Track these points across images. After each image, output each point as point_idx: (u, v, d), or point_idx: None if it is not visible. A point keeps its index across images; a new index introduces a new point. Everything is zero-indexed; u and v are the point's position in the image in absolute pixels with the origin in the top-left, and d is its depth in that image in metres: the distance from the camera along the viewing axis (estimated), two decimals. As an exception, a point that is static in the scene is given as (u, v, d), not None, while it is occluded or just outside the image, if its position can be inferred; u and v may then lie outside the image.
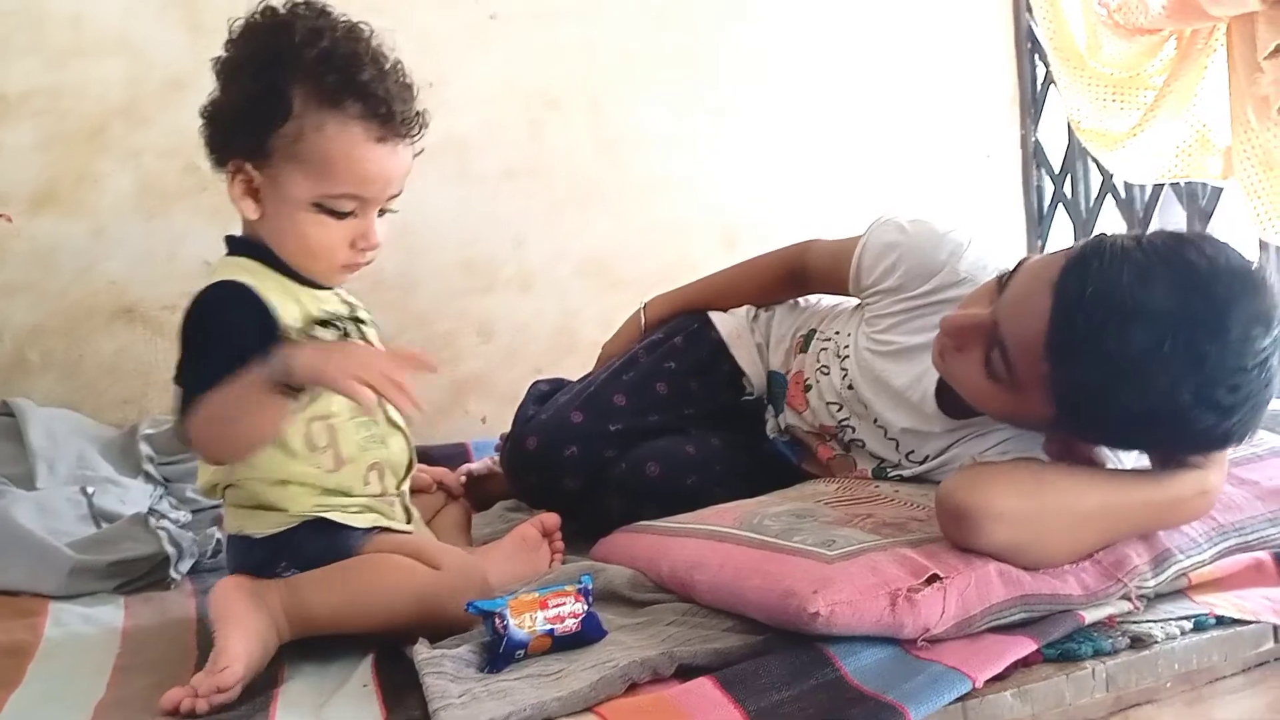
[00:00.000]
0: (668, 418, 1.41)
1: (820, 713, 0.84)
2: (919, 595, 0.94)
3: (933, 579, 0.95)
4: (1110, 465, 1.09)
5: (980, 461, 1.07)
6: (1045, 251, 2.42)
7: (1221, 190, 1.96)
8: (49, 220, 1.77)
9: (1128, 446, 1.07)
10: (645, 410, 1.41)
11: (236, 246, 1.11)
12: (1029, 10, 2.29)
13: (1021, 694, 0.91)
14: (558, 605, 0.97)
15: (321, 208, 1.06)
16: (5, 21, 1.74)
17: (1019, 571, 0.99)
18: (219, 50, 1.09)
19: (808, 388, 1.40)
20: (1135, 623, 0.99)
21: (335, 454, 1.08)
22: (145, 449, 1.63)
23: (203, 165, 1.11)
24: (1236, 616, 1.02)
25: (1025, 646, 0.93)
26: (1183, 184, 2.03)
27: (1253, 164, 1.72)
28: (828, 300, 1.49)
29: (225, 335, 1.00)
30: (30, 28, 1.76)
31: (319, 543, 1.05)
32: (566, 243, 2.10)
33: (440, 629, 1.02)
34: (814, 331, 1.44)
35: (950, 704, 0.87)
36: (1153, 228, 2.16)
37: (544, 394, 1.50)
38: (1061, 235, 2.41)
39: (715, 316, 1.51)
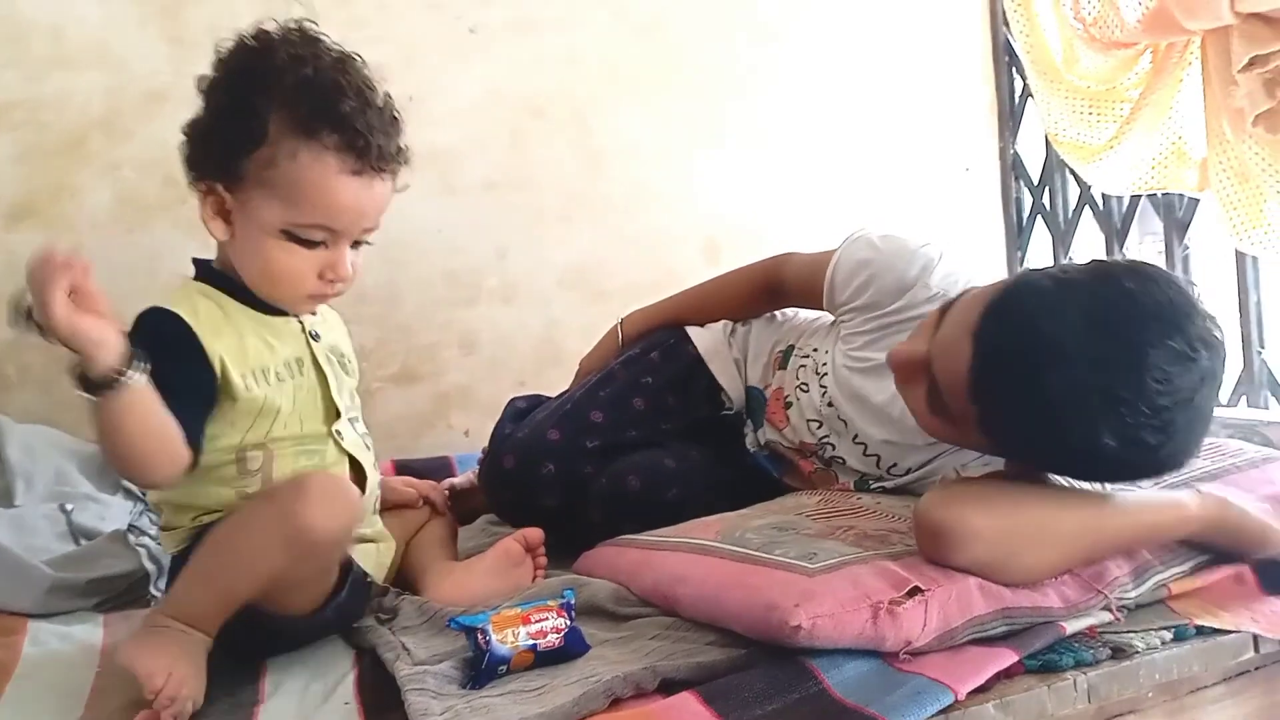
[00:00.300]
0: (645, 433, 1.41)
1: (803, 726, 0.85)
2: (900, 608, 0.94)
3: (914, 591, 0.96)
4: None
5: (960, 477, 1.07)
6: (1024, 264, 2.46)
7: (1198, 201, 1.98)
8: (27, 233, 1.76)
9: (1068, 476, 1.07)
10: (623, 426, 1.41)
11: (201, 270, 1.10)
12: (1006, 24, 2.32)
13: (1003, 705, 0.91)
14: (540, 620, 0.97)
15: (290, 236, 1.04)
16: (-16, 34, 1.74)
17: (999, 585, 0.99)
18: (199, 63, 1.08)
19: (788, 404, 1.40)
20: (1116, 633, 1.00)
21: (265, 479, 1.06)
22: (124, 464, 1.62)
23: (182, 178, 1.10)
24: (1217, 626, 1.02)
25: (1007, 658, 0.93)
26: (1160, 195, 2.05)
27: (1228, 176, 1.74)
28: (805, 315, 1.50)
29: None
30: (9, 40, 1.75)
31: None
32: (549, 254, 2.10)
33: (317, 553, 1.00)
34: (792, 348, 1.44)
35: (932, 716, 0.87)
36: (1131, 238, 2.19)
37: (521, 411, 1.49)
38: (1041, 247, 2.43)
39: (692, 331, 1.51)
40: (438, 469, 1.68)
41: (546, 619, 0.97)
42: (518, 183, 2.07)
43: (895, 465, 1.30)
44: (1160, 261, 2.10)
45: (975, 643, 0.96)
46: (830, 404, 1.34)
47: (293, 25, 1.06)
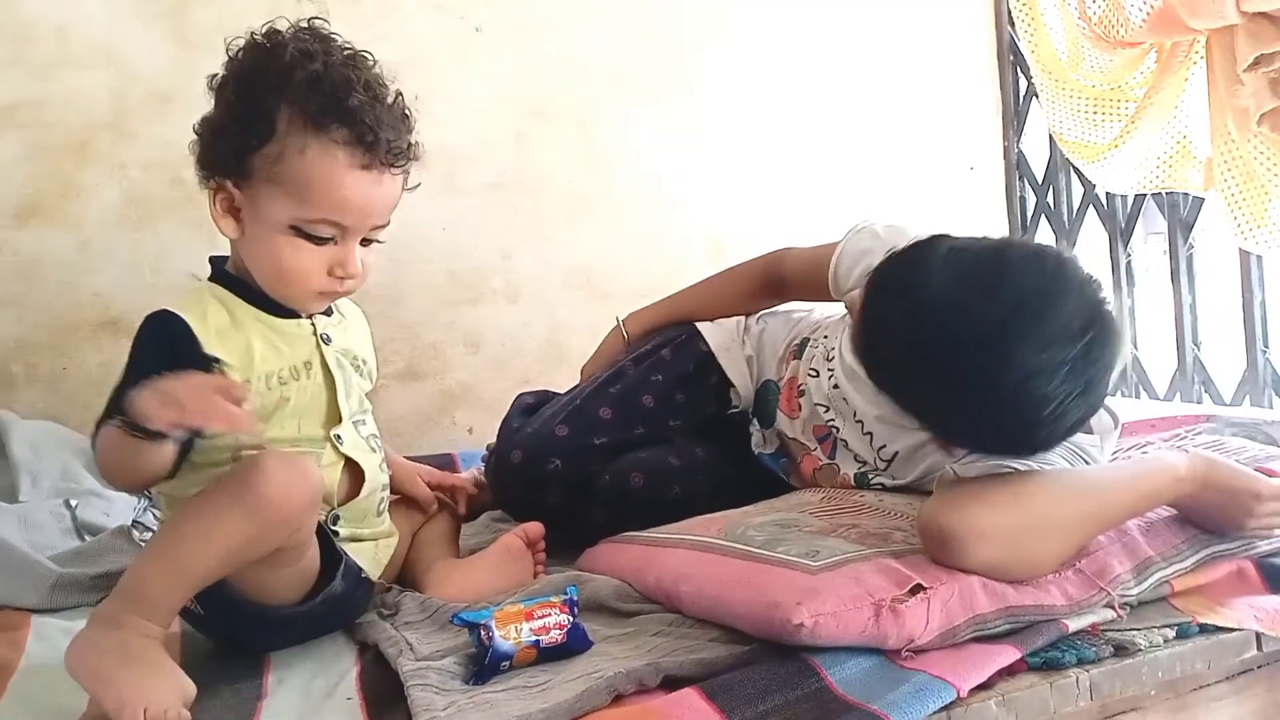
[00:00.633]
0: (653, 430, 1.41)
1: (805, 722, 0.85)
2: (903, 606, 0.94)
3: (916, 589, 0.96)
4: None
5: (958, 478, 1.07)
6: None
7: (1202, 201, 1.98)
8: (34, 233, 1.76)
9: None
10: (631, 423, 1.41)
11: (216, 271, 1.11)
12: (1011, 23, 2.31)
13: (1006, 703, 0.91)
14: (543, 616, 0.97)
15: (299, 231, 1.04)
16: (-10, 34, 1.74)
17: (1002, 583, 0.99)
18: (205, 64, 1.09)
19: (801, 392, 1.41)
20: (1119, 631, 1.00)
21: None
22: (130, 462, 1.63)
23: (188, 178, 1.11)
24: (1220, 624, 1.02)
25: (1009, 655, 0.93)
26: (1164, 195, 2.05)
27: (1233, 175, 1.74)
28: (821, 310, 1.50)
29: (136, 366, 0.98)
30: (15, 40, 1.75)
31: None
32: (554, 254, 2.10)
33: (274, 525, 0.96)
34: (807, 340, 1.45)
35: (935, 713, 0.87)
36: (1135, 237, 2.19)
37: (529, 406, 1.49)
38: (1045, 246, 2.42)
39: (704, 328, 1.51)
40: (441, 466, 1.67)
41: (549, 615, 0.98)
42: (522, 183, 2.07)
43: (885, 447, 1.30)
44: (1165, 262, 2.10)
45: (977, 640, 0.96)
46: (835, 386, 1.35)
47: (304, 24, 1.07)
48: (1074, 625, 0.99)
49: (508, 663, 0.95)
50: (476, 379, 2.04)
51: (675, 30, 2.19)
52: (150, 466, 0.93)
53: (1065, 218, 2.35)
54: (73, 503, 1.48)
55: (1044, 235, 2.42)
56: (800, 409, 1.41)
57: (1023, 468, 1.06)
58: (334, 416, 1.11)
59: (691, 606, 1.05)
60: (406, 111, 1.09)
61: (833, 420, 1.36)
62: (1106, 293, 1.01)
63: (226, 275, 1.10)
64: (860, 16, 2.33)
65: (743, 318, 1.54)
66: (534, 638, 0.96)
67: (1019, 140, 2.46)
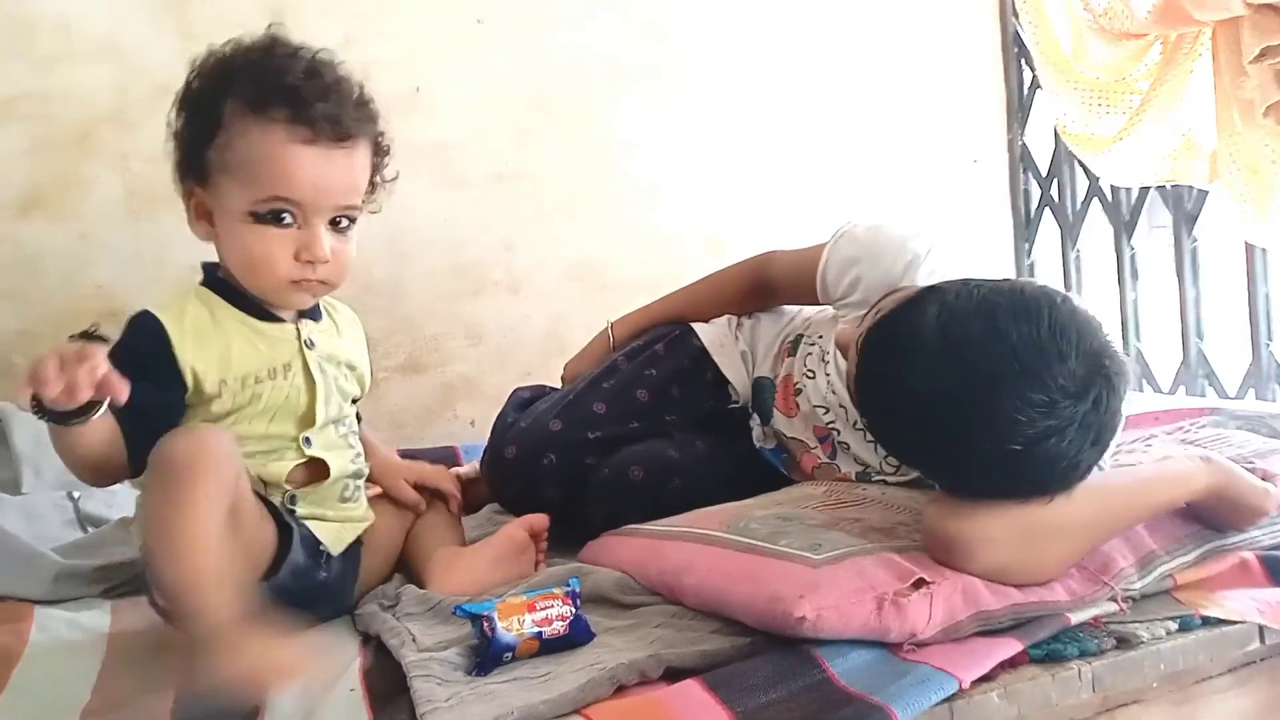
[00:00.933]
0: (648, 424, 1.41)
1: (807, 714, 0.85)
2: (905, 600, 0.94)
3: (919, 583, 0.96)
4: None
5: None
6: (1031, 256, 2.45)
7: (1207, 193, 1.97)
8: (36, 225, 1.76)
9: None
10: (625, 418, 1.40)
11: (207, 276, 1.12)
12: (1015, 15, 2.31)
13: (1008, 695, 0.91)
14: (545, 608, 0.97)
15: (257, 217, 1.04)
16: (-8, 25, 1.74)
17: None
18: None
19: (798, 391, 1.40)
20: (1121, 623, 0.99)
21: None
22: (132, 454, 1.63)
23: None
24: (1223, 617, 1.02)
25: (1011, 648, 0.93)
26: (1169, 187, 2.04)
27: (1238, 167, 1.73)
28: (811, 307, 1.49)
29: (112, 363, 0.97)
30: (17, 32, 1.75)
31: None
32: (555, 247, 2.10)
33: (174, 471, 0.93)
34: (801, 336, 1.44)
35: (937, 705, 0.87)
36: (1139, 230, 2.18)
37: (525, 401, 1.49)
38: (1049, 239, 2.42)
39: (697, 324, 1.51)
40: (443, 459, 1.67)
41: (552, 607, 0.98)
42: (524, 176, 2.07)
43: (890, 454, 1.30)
44: (1169, 254, 2.09)
45: (980, 633, 0.96)
46: (834, 390, 1.34)
47: (262, 33, 1.08)
48: (1076, 618, 0.99)
49: (510, 654, 0.95)
50: (478, 371, 2.04)
51: (676, 23, 2.18)
52: (85, 450, 0.95)
53: (1069, 211, 2.35)
54: (75, 494, 1.49)
55: (1048, 229, 2.42)
56: (797, 408, 1.40)
57: None
58: (309, 420, 1.11)
59: (694, 599, 1.05)
60: (362, 96, 1.09)
61: (832, 423, 1.36)
62: (1108, 315, 1.01)
63: (216, 280, 1.11)
64: (864, 9, 2.32)
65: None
66: (536, 629, 0.96)
67: (1023, 133, 2.45)
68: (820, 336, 1.40)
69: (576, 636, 0.98)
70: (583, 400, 1.42)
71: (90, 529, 1.42)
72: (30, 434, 1.60)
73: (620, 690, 0.89)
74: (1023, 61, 2.41)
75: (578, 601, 1.00)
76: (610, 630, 1.02)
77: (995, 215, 2.46)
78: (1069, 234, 2.34)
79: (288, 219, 1.05)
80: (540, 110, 2.08)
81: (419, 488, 1.32)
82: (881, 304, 1.10)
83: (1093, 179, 2.22)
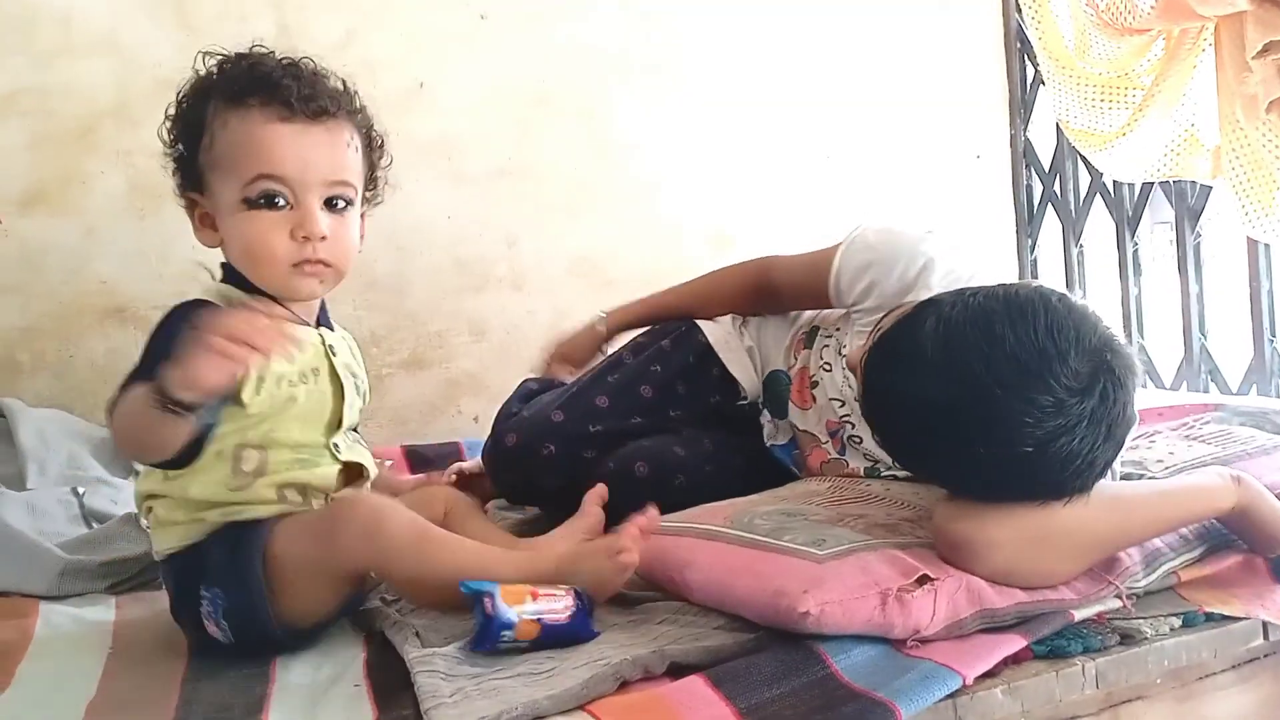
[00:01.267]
0: (652, 420, 1.41)
1: (811, 710, 0.85)
2: (909, 596, 0.94)
3: (923, 580, 0.96)
4: None
5: None
6: (1034, 252, 2.45)
7: (1210, 189, 1.97)
8: (39, 220, 1.77)
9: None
10: (628, 412, 1.40)
11: (226, 274, 1.11)
12: (1018, 11, 2.31)
13: (1012, 691, 0.91)
14: (549, 596, 0.97)
15: (250, 202, 1.04)
16: (-7, 21, 1.74)
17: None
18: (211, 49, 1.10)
19: (814, 384, 1.40)
20: (1125, 620, 1.00)
21: (257, 477, 1.05)
22: (136, 449, 1.63)
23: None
24: (1226, 613, 1.02)
25: (1015, 644, 0.94)
26: (1172, 183, 2.04)
27: (1241, 163, 1.73)
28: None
29: (159, 340, 0.98)
30: (19, 27, 1.75)
31: (223, 547, 1.03)
32: (558, 242, 2.10)
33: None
34: (817, 329, 1.44)
35: (941, 701, 0.87)
36: (1142, 226, 2.18)
37: (532, 391, 1.50)
38: (1051, 235, 2.42)
39: (702, 321, 1.51)
40: (447, 454, 1.68)
41: (556, 598, 0.98)
42: (526, 171, 2.07)
43: None
44: (1172, 250, 2.09)
45: (984, 629, 0.96)
46: (850, 384, 1.34)
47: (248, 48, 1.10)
48: (1080, 614, 0.99)
49: (509, 633, 0.95)
50: (482, 367, 2.04)
51: (679, 18, 2.18)
52: (171, 440, 0.94)
53: (1072, 206, 2.34)
54: (80, 490, 1.49)
55: (1050, 224, 2.41)
56: (813, 400, 1.40)
57: None
58: (334, 425, 1.11)
59: (698, 594, 1.05)
60: (344, 86, 1.10)
61: (847, 416, 1.36)
62: (1107, 299, 1.00)
63: (237, 276, 1.10)
64: (867, 5, 2.32)
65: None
66: (537, 613, 0.96)
67: (1026, 128, 2.45)
68: (836, 329, 1.40)
69: (579, 630, 0.98)
70: (586, 393, 1.42)
71: (95, 524, 1.43)
72: (35, 430, 1.60)
73: (624, 686, 0.89)
74: (1025, 57, 2.41)
75: (583, 599, 1.00)
76: (614, 626, 1.02)
77: (998, 211, 2.46)
78: (1072, 230, 2.34)
79: (280, 201, 1.05)
80: (543, 106, 2.08)
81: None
82: (882, 323, 1.11)
83: (1095, 175, 2.22)
